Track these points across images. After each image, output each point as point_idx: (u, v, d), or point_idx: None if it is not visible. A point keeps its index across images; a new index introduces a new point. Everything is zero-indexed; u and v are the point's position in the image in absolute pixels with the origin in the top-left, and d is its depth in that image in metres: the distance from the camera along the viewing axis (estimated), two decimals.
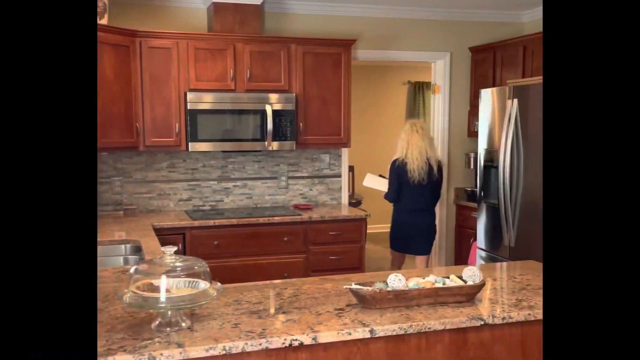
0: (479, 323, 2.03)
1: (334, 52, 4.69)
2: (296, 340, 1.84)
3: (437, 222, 4.60)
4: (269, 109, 4.43)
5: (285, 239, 4.40)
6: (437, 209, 5.48)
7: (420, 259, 4.52)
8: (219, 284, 1.99)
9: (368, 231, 5.34)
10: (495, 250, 4.57)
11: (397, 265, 4.59)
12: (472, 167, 5.43)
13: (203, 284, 1.93)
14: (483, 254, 4.73)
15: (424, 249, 4.46)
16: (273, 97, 4.49)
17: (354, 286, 2.15)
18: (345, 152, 5.15)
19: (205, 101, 4.35)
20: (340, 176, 5.17)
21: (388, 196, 4.46)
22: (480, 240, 4.77)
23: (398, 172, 4.32)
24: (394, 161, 4.38)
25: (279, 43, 4.55)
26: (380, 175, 4.77)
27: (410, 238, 4.43)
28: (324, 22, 5.01)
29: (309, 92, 4.64)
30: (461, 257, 5.43)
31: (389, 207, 4.57)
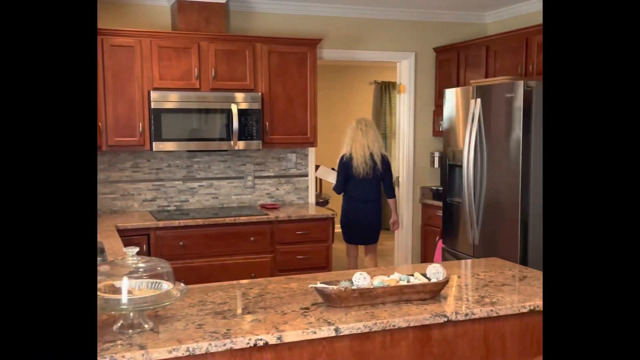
0: (442, 320, 2.05)
1: (300, 52, 4.68)
2: (261, 340, 1.84)
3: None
4: (234, 108, 4.40)
5: (252, 238, 4.38)
6: (403, 208, 5.55)
7: (367, 246, 4.84)
8: (182, 284, 1.97)
9: (335, 230, 5.36)
10: (460, 248, 4.63)
11: (353, 255, 4.89)
12: (437, 166, 5.50)
13: (166, 285, 1.91)
14: (448, 251, 4.79)
15: (371, 237, 4.80)
16: (239, 96, 4.46)
17: (319, 285, 2.15)
18: (311, 151, 5.15)
19: (170, 100, 4.30)
20: (307, 175, 5.17)
21: (335, 187, 4.82)
22: (446, 238, 4.83)
23: (344, 167, 4.67)
24: (342, 157, 4.72)
25: (244, 42, 4.52)
26: (333, 169, 5.02)
27: (358, 227, 4.74)
28: (289, 22, 5.01)
29: (274, 92, 4.63)
30: (427, 255, 5.49)
31: None
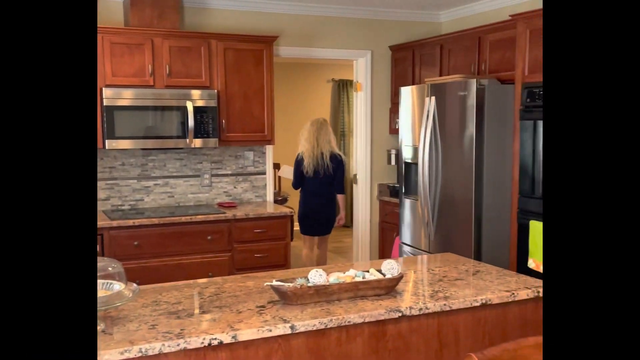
0: (397, 315, 2.08)
1: (256, 49, 4.66)
2: (215, 339, 1.82)
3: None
4: (190, 106, 4.35)
5: (209, 237, 4.33)
6: (361, 205, 5.59)
7: (320, 237, 5.12)
8: (134, 284, 1.94)
9: (295, 228, 5.35)
10: (417, 243, 4.70)
11: (309, 247, 5.12)
12: (393, 163, 5.55)
13: (117, 285, 1.88)
14: (406, 247, 4.85)
15: (324, 229, 5.05)
16: (194, 93, 4.41)
17: (275, 283, 2.14)
18: (269, 149, 5.13)
19: (123, 97, 4.21)
20: (264, 173, 5.15)
21: (292, 184, 5.17)
22: (403, 234, 4.89)
23: (298, 165, 4.98)
24: (297, 155, 5.01)
25: (199, 38, 4.47)
26: None
27: (313, 219, 4.99)
28: (245, 18, 4.97)
29: (231, 89, 4.59)
30: (385, 251, 5.54)
31: None
